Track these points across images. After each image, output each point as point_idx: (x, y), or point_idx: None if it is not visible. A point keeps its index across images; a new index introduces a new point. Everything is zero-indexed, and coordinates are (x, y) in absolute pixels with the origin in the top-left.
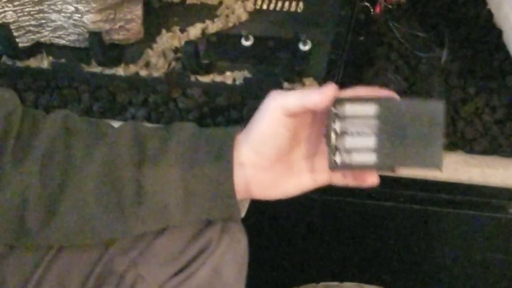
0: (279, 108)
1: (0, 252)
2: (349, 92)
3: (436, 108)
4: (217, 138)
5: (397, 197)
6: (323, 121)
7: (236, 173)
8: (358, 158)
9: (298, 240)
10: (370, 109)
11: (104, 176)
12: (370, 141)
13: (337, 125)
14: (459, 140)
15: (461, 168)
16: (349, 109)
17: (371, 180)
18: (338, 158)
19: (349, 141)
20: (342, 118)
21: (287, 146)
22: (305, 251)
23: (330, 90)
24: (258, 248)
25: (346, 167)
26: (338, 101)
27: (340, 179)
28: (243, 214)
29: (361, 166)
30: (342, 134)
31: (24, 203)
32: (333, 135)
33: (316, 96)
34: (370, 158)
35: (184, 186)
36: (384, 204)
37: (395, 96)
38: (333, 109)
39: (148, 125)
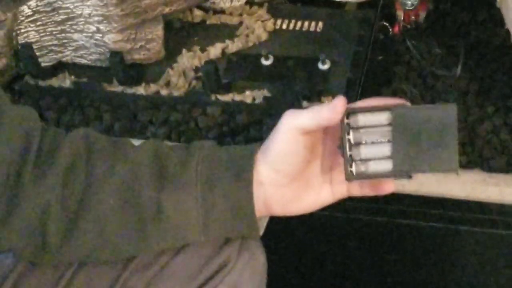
0: (294, 128)
1: (21, 271)
2: (361, 103)
3: (449, 111)
4: (237, 158)
5: (415, 215)
6: (337, 133)
7: (256, 192)
8: (374, 166)
9: (317, 257)
10: (383, 117)
11: (125, 193)
12: (385, 149)
13: (351, 136)
14: (477, 159)
15: (479, 187)
16: (361, 119)
17: (388, 187)
18: (354, 169)
19: (364, 151)
20: (355, 128)
21: (304, 162)
22: (323, 268)
23: (340, 104)
24: (276, 266)
25: (362, 176)
26: (350, 112)
27: (357, 190)
28: (261, 232)
29: (378, 174)
30: (357, 144)
31: (45, 218)
32: (347, 146)
33: (327, 112)
34: (386, 166)
35: (203, 205)
36: (401, 222)
37: (407, 103)
38: (346, 120)
39: (169, 143)
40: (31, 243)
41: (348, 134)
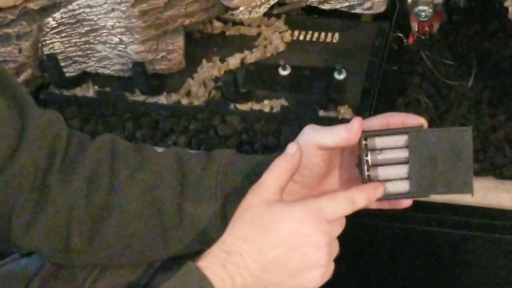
0: (314, 145)
1: (45, 275)
2: (380, 119)
3: (464, 134)
4: (256, 166)
5: (428, 221)
6: (354, 147)
7: None
8: (392, 188)
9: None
10: (400, 140)
11: (147, 198)
12: (402, 171)
13: (369, 157)
14: (489, 166)
15: (491, 193)
16: (379, 141)
17: (406, 202)
18: None
19: (381, 173)
20: (373, 150)
21: (322, 174)
22: (341, 273)
23: (356, 125)
24: None
25: (380, 198)
26: (368, 134)
27: (375, 204)
28: None
29: (395, 195)
30: (374, 166)
31: (70, 221)
32: (365, 167)
33: (345, 133)
34: (403, 187)
35: (222, 211)
36: (415, 227)
37: (424, 123)
38: (363, 142)
39: (189, 151)
40: (57, 245)
41: (366, 155)
